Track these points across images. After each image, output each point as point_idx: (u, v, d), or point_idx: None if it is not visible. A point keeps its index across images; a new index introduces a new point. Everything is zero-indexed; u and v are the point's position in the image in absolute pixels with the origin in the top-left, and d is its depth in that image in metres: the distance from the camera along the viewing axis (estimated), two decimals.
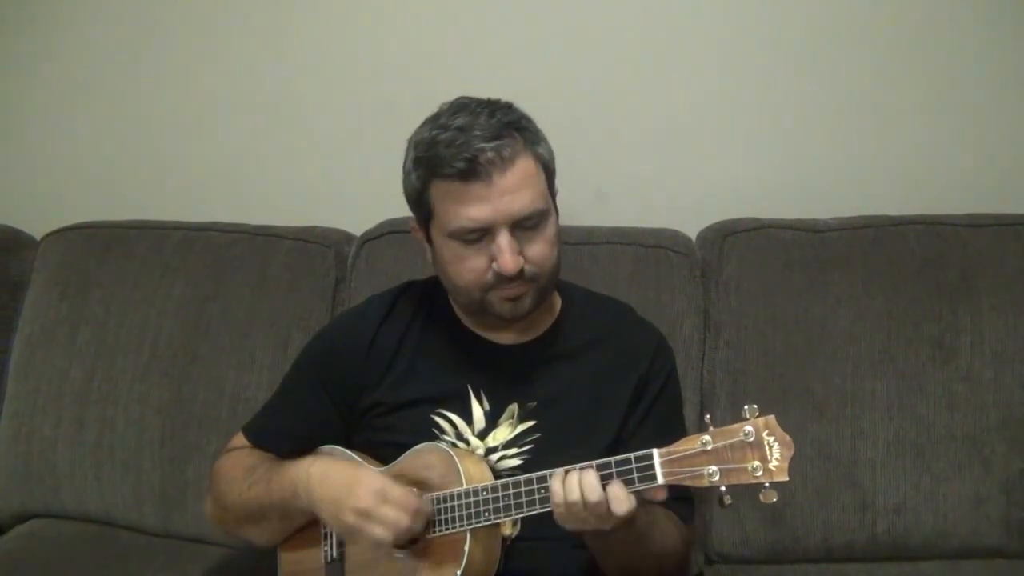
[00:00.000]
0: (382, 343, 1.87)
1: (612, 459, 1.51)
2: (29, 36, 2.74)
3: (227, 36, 2.66)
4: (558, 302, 1.93)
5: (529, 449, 1.78)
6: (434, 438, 1.79)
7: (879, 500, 2.17)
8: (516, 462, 1.78)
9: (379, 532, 1.60)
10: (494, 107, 1.71)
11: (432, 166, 1.67)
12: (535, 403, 1.80)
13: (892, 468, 2.18)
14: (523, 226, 1.68)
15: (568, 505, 1.50)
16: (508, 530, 1.75)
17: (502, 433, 1.79)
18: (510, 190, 1.65)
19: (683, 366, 2.20)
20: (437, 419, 1.81)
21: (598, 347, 1.88)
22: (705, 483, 1.45)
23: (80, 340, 2.44)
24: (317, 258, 2.42)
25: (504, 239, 1.66)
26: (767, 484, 1.43)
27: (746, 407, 1.47)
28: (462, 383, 1.82)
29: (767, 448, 1.43)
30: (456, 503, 1.65)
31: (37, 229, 2.66)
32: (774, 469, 1.43)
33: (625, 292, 2.16)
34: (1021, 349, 2.20)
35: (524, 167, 1.68)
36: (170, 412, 2.36)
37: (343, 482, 1.66)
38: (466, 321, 1.88)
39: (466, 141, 1.63)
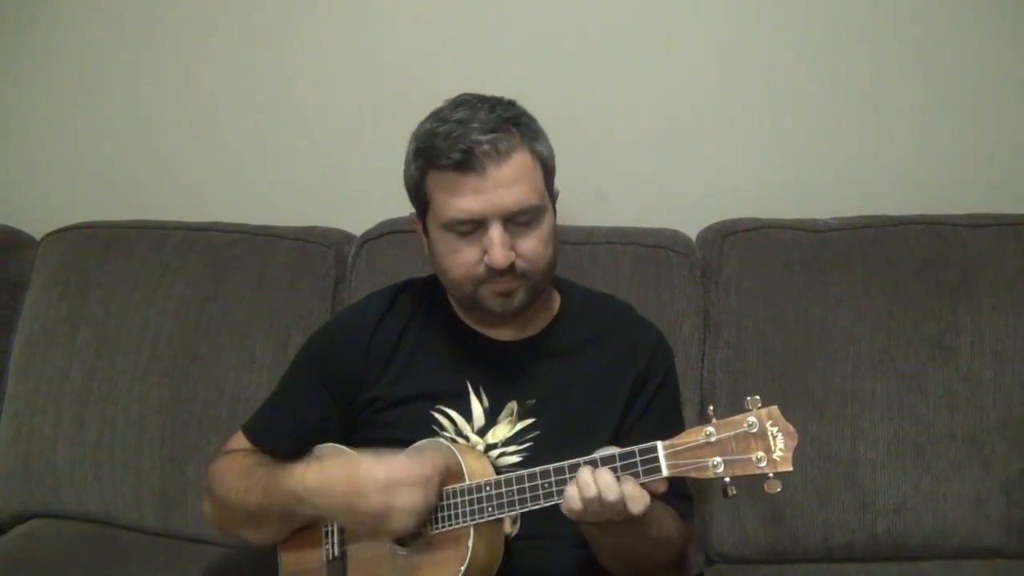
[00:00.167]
0: (381, 339, 1.88)
1: (616, 452, 1.51)
2: (29, 36, 2.74)
3: (227, 36, 2.66)
4: (557, 300, 1.93)
5: (528, 447, 1.79)
6: (433, 434, 1.79)
7: (879, 500, 2.17)
8: (515, 459, 1.78)
9: (403, 522, 1.61)
10: (495, 103, 1.73)
11: (429, 156, 1.70)
12: (534, 400, 1.81)
13: (892, 468, 2.18)
14: (517, 221, 1.69)
15: (586, 502, 1.49)
16: (508, 528, 1.75)
17: (501, 430, 1.80)
18: (504, 183, 1.66)
19: (683, 366, 2.21)
20: (436, 415, 1.81)
21: (597, 345, 1.88)
22: (710, 474, 1.45)
23: (80, 340, 2.44)
24: (317, 258, 2.42)
25: (496, 232, 1.67)
26: (771, 474, 1.43)
27: (748, 398, 1.47)
28: (461, 380, 1.83)
29: (771, 438, 1.44)
30: (459, 499, 1.64)
31: (37, 229, 2.66)
32: (778, 459, 1.43)
33: (625, 292, 2.16)
34: (1021, 349, 2.19)
35: (520, 162, 1.69)
36: (170, 412, 2.36)
37: (344, 486, 1.64)
38: (465, 318, 1.88)
39: (463, 133, 1.65)
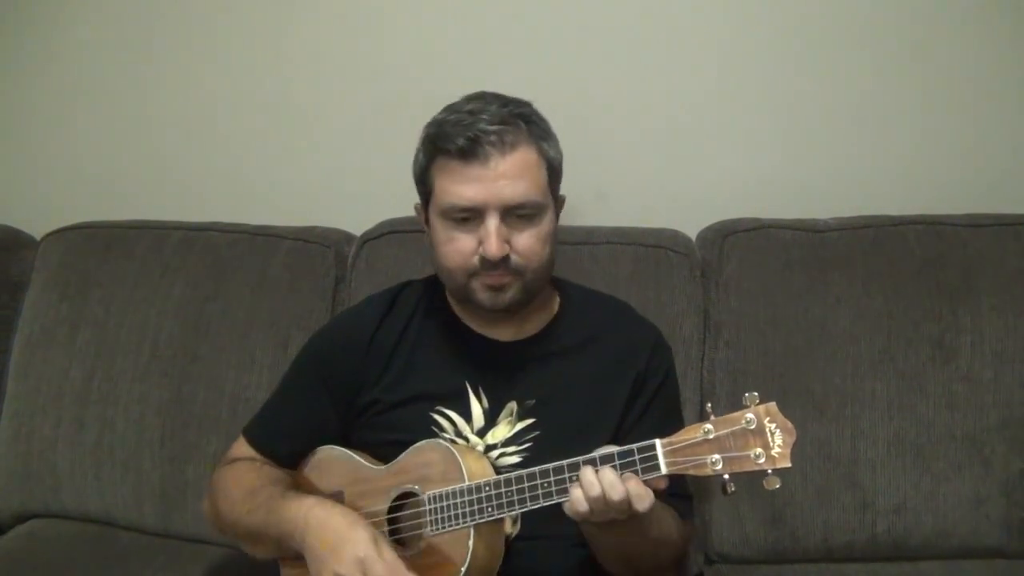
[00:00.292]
0: (381, 341, 1.88)
1: (615, 450, 1.51)
2: (29, 36, 2.74)
3: (227, 36, 2.66)
4: (556, 300, 1.94)
5: (528, 447, 1.79)
6: (433, 435, 1.79)
7: (879, 500, 2.17)
8: (515, 459, 1.78)
9: None
10: (508, 100, 1.76)
11: (436, 142, 1.73)
12: (534, 401, 1.81)
13: (892, 468, 2.17)
14: (516, 214, 1.71)
15: (591, 500, 1.49)
16: (508, 528, 1.75)
17: (501, 431, 1.80)
18: (506, 176, 1.68)
19: (683, 366, 2.21)
20: (436, 416, 1.81)
21: (596, 344, 1.88)
22: (708, 472, 1.45)
23: (80, 340, 2.44)
24: (317, 258, 2.42)
25: (492, 223, 1.69)
26: (770, 471, 1.43)
27: (746, 395, 1.47)
28: (461, 380, 1.83)
29: (769, 435, 1.44)
30: (459, 500, 1.64)
31: (37, 229, 2.65)
32: (776, 455, 1.43)
33: (625, 292, 2.16)
34: (1021, 349, 2.19)
35: (525, 157, 1.71)
36: (170, 412, 2.36)
37: (332, 540, 1.63)
38: (464, 318, 1.89)
39: (472, 122, 1.68)
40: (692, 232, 2.42)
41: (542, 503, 1.57)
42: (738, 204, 2.42)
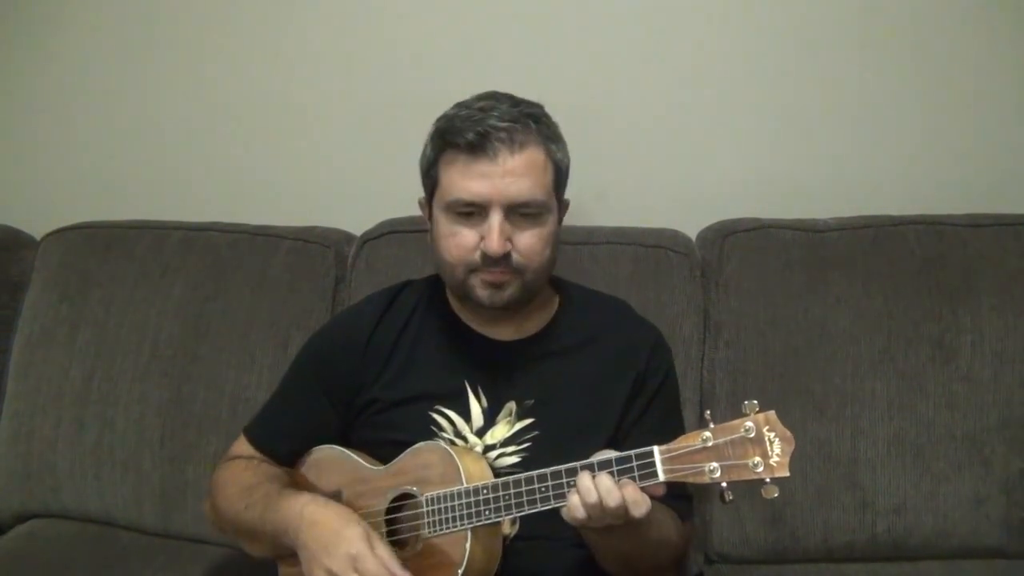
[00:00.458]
0: (379, 340, 1.88)
1: (613, 456, 1.51)
2: (29, 37, 2.74)
3: (227, 36, 2.66)
4: (555, 300, 1.94)
5: (527, 447, 1.79)
6: (432, 435, 1.79)
7: (879, 500, 2.17)
8: (514, 460, 1.78)
9: None
10: (519, 100, 1.77)
11: (445, 135, 1.73)
12: (533, 401, 1.81)
13: (892, 468, 2.17)
14: (520, 213, 1.72)
15: (588, 507, 1.49)
16: (507, 529, 1.75)
17: (500, 431, 1.80)
18: (513, 173, 1.69)
19: (683, 366, 2.21)
20: (435, 416, 1.81)
21: (595, 344, 1.88)
22: (706, 480, 1.45)
23: (80, 340, 2.44)
24: (317, 258, 2.42)
25: (496, 219, 1.70)
26: (768, 480, 1.42)
27: (746, 403, 1.47)
28: (460, 380, 1.83)
29: (768, 444, 1.43)
30: (457, 502, 1.64)
31: (37, 229, 2.65)
32: (775, 464, 1.42)
33: (625, 292, 2.15)
34: (1021, 349, 2.19)
35: (533, 156, 1.72)
36: (170, 412, 2.36)
37: (326, 536, 1.63)
38: (464, 317, 1.89)
39: (483, 119, 1.70)
40: (692, 232, 2.42)
41: (539, 507, 1.57)
42: (738, 204, 2.42)
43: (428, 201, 1.84)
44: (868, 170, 2.52)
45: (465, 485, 1.65)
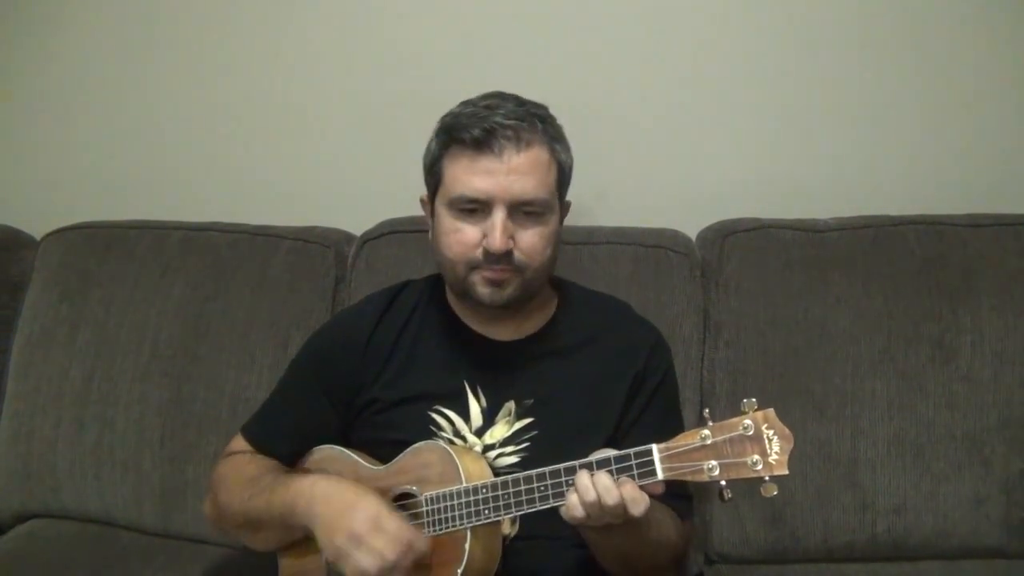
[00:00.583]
0: (379, 340, 1.88)
1: (612, 455, 1.51)
2: (29, 36, 2.74)
3: (227, 36, 2.66)
4: (555, 299, 1.94)
5: (526, 446, 1.79)
6: (431, 435, 1.79)
7: (879, 500, 2.17)
8: (514, 459, 1.78)
9: (365, 561, 1.56)
10: (524, 100, 1.78)
11: (451, 131, 1.74)
12: (532, 400, 1.81)
13: (892, 468, 2.17)
14: (522, 211, 1.72)
15: (587, 506, 1.49)
16: (507, 529, 1.75)
17: (499, 430, 1.80)
18: (517, 171, 1.69)
19: (683, 366, 2.21)
20: (434, 416, 1.81)
21: (595, 344, 1.89)
22: (705, 478, 1.45)
23: (80, 340, 2.44)
24: (317, 258, 2.42)
25: (499, 216, 1.70)
26: (767, 478, 1.43)
27: (744, 401, 1.47)
28: (459, 380, 1.83)
29: (766, 441, 1.44)
30: (456, 501, 1.65)
31: (37, 229, 2.65)
32: (774, 462, 1.43)
33: (625, 292, 2.16)
34: (1021, 349, 2.19)
35: (537, 155, 1.73)
36: (170, 412, 2.36)
37: (343, 504, 1.63)
38: (464, 317, 1.89)
39: (489, 116, 1.70)
40: (692, 232, 2.42)
41: (539, 506, 1.57)
42: (738, 204, 2.42)
43: (431, 198, 1.84)
44: (868, 170, 2.52)
45: (464, 484, 1.65)
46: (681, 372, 2.13)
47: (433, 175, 1.80)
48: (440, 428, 1.80)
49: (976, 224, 2.30)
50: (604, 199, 2.53)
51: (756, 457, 1.43)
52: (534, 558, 1.76)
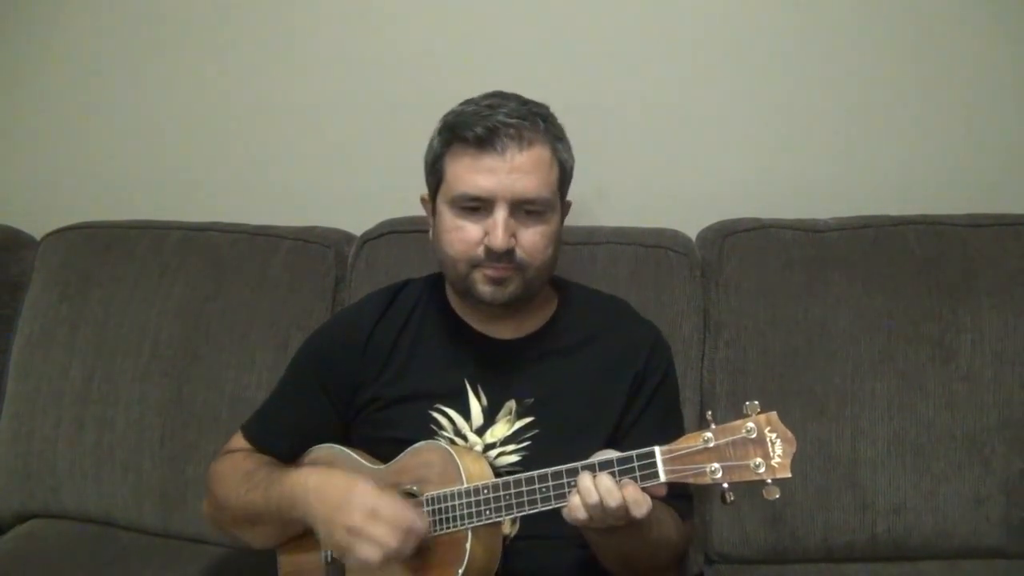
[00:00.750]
0: (379, 339, 1.88)
1: (614, 456, 1.51)
2: (30, 37, 2.74)
3: (227, 36, 2.66)
4: (555, 299, 1.94)
5: (527, 445, 1.79)
6: (432, 434, 1.80)
7: (879, 500, 2.17)
8: (514, 458, 1.79)
9: (367, 552, 1.56)
10: (526, 100, 1.78)
11: (453, 129, 1.74)
12: (532, 399, 1.81)
13: (892, 468, 2.17)
14: (524, 210, 1.72)
15: (589, 508, 1.49)
16: (507, 529, 1.75)
17: (500, 429, 1.80)
18: (520, 169, 1.70)
19: (683, 366, 2.20)
20: (435, 414, 1.82)
21: (595, 343, 1.89)
22: (708, 480, 1.45)
23: (80, 340, 2.44)
24: (317, 258, 2.42)
25: (501, 215, 1.70)
26: (770, 480, 1.43)
27: (747, 403, 1.47)
28: (460, 378, 1.84)
29: (769, 444, 1.44)
30: (457, 502, 1.65)
31: (37, 229, 2.65)
32: (776, 465, 1.43)
33: (625, 292, 2.15)
34: (1021, 349, 2.19)
35: (540, 153, 1.73)
36: (170, 412, 2.36)
37: (337, 497, 1.63)
38: (464, 316, 1.89)
39: (491, 115, 1.70)
40: (692, 232, 2.42)
41: (540, 508, 1.57)
42: (738, 204, 2.42)
43: (432, 196, 1.84)
44: (868, 170, 2.52)
45: (465, 485, 1.65)
46: (681, 372, 2.13)
47: (435, 173, 1.80)
48: (441, 427, 1.81)
49: (976, 224, 2.30)
50: (604, 199, 2.53)
51: (759, 460, 1.43)
52: (535, 558, 1.76)
